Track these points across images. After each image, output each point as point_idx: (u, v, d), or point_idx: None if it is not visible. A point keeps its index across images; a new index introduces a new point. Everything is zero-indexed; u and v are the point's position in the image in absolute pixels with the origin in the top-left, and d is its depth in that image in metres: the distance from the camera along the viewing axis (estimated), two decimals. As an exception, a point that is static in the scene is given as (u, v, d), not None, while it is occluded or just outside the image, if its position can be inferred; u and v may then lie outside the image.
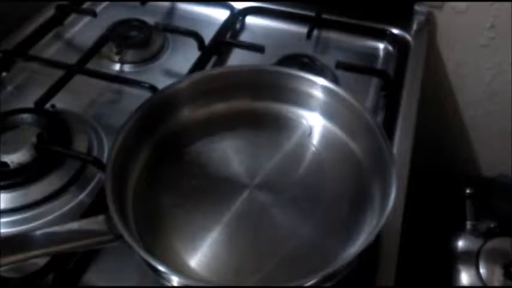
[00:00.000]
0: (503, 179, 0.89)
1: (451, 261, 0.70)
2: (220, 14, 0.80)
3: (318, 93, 0.55)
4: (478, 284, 0.67)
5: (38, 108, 0.62)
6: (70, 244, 0.43)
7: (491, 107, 0.89)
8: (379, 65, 0.74)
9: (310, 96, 0.56)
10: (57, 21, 0.79)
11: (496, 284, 0.66)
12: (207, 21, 0.79)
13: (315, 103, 0.56)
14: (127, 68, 0.73)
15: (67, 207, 0.54)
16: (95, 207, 0.52)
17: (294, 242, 0.47)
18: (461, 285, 0.68)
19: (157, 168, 0.53)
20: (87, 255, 0.50)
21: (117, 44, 0.73)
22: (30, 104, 0.63)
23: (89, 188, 0.56)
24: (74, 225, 0.44)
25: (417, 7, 0.78)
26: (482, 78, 0.86)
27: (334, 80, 0.68)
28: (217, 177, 0.52)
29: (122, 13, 0.81)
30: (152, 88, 0.64)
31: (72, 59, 0.70)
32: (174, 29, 0.76)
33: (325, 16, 0.78)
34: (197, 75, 0.60)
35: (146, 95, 0.59)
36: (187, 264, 0.45)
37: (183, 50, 0.75)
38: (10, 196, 0.54)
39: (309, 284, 0.39)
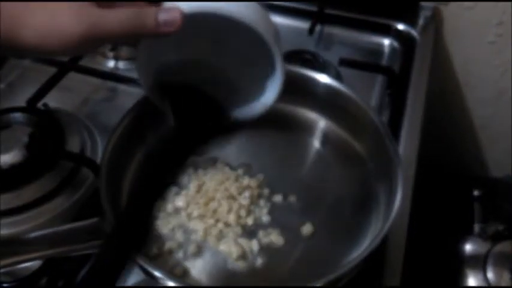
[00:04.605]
0: (511, 180, 0.88)
1: (458, 265, 0.70)
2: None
3: (321, 91, 0.54)
4: (486, 288, 0.66)
5: (30, 107, 0.62)
6: (63, 248, 0.42)
7: (500, 106, 0.89)
8: (384, 61, 0.74)
9: (313, 94, 0.55)
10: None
11: (504, 288, 0.65)
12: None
13: (317, 101, 0.55)
14: (122, 64, 0.73)
15: (60, 210, 0.54)
16: (89, 209, 0.52)
17: (297, 245, 0.46)
18: (468, 289, 0.67)
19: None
20: (81, 259, 0.49)
21: (112, 40, 0.73)
22: (22, 102, 0.63)
23: (83, 189, 0.56)
24: (67, 228, 0.43)
25: (423, 2, 0.77)
26: (490, 75, 0.86)
27: (338, 77, 0.67)
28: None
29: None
30: (148, 86, 0.63)
31: (65, 55, 0.70)
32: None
33: (328, 11, 0.77)
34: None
35: (142, 92, 0.57)
36: (186, 269, 0.44)
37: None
38: (1, 198, 0.53)
39: (312, 289, 0.38)
